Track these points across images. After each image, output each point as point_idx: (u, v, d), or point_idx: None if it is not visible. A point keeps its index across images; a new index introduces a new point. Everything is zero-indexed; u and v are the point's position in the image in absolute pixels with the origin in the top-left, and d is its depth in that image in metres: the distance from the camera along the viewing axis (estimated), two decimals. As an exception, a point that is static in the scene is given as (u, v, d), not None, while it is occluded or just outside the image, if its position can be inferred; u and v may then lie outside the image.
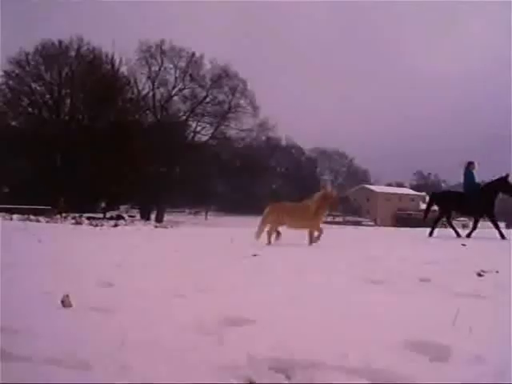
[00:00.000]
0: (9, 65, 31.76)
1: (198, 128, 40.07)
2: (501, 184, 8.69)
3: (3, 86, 32.23)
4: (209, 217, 50.79)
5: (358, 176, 75.33)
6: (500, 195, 8.92)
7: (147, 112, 38.67)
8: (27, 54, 32.00)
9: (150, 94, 38.54)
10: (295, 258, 4.75)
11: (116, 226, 14.52)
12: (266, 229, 6.54)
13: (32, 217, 16.26)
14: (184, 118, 39.46)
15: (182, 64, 38.40)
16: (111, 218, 23.09)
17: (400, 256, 5.06)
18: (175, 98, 39.28)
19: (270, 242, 6.35)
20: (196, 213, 58.68)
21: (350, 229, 19.64)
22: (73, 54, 33.29)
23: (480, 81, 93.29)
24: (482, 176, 9.73)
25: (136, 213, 37.94)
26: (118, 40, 37.63)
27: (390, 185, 75.19)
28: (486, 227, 9.66)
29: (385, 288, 2.90)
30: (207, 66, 38.64)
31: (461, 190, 9.57)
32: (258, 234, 6.43)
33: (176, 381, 1.40)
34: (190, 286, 2.76)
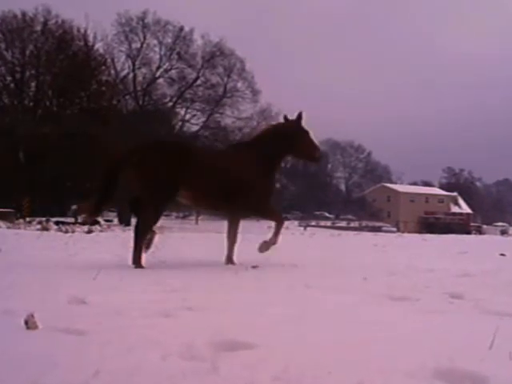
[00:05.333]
0: (-39, 41, 31.90)
1: (188, 116, 40.07)
2: None
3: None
4: (200, 221, 50.82)
5: (377, 173, 75.38)
6: None
7: (127, 97, 38.66)
8: (-17, 29, 32.08)
9: (131, 75, 38.56)
10: (302, 270, 4.75)
11: (90, 232, 14.53)
12: None
13: (-10, 221, 16.29)
14: (171, 103, 39.44)
15: (168, 40, 38.46)
16: (84, 223, 23.10)
17: (426, 268, 5.06)
18: (160, 80, 39.30)
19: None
20: (184, 217, 58.67)
21: (367, 236, 19.65)
22: (39, 28, 33.30)
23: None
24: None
25: (113, 217, 37.96)
26: (92, 12, 37.80)
27: (415, 183, 75.36)
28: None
29: (408, 306, 2.91)
30: (198, 42, 38.69)
31: (496, 189, 9.53)
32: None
33: (161, 416, 1.40)
34: (178, 304, 2.76)
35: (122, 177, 5.08)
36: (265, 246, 5.44)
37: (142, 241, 5.08)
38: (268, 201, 5.60)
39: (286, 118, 5.72)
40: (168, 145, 5.53)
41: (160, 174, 4.95)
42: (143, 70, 38.95)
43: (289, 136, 5.57)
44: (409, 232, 34.01)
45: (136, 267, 4.86)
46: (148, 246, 5.31)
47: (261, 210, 5.62)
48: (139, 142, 5.69)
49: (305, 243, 12.00)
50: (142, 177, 4.99)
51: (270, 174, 5.59)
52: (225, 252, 5.50)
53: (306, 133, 5.66)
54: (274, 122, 5.72)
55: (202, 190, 5.19)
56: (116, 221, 34.68)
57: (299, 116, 5.60)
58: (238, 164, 5.30)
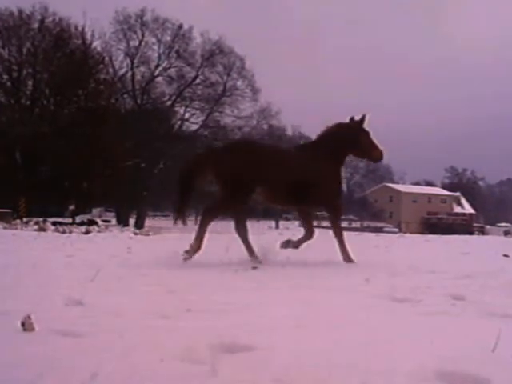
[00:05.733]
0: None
1: (187, 115, 40.13)
2: None
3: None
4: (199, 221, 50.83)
5: (378, 173, 75.36)
6: None
7: (125, 96, 38.69)
8: (-21, 26, 32.06)
9: (129, 73, 38.63)
10: (303, 271, 4.75)
11: (88, 232, 14.54)
12: None
13: (-14, 222, 16.30)
14: (169, 102, 39.48)
15: (167, 38, 38.52)
16: (82, 224, 23.13)
17: (428, 269, 5.07)
18: (159, 78, 39.36)
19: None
20: (184, 217, 58.75)
21: (368, 236, 19.66)
22: (36, 26, 33.28)
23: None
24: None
25: (111, 217, 38.00)
26: (90, 9, 37.83)
27: (417, 183, 75.35)
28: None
29: (410, 307, 2.91)
30: (197, 40, 38.73)
31: (499, 189, 9.63)
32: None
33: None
34: (177, 305, 2.76)
35: (200, 179, 5.48)
36: (345, 254, 5.79)
37: (203, 231, 5.39)
38: (337, 197, 6.01)
39: (351, 118, 6.05)
40: (244, 145, 5.88)
41: (238, 174, 5.28)
42: (142, 68, 39.05)
43: (351, 136, 5.94)
44: (411, 233, 34.02)
45: (185, 259, 5.24)
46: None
47: (330, 206, 5.94)
48: (216, 145, 6.13)
49: (305, 244, 11.97)
50: (220, 177, 5.35)
51: (336, 172, 5.97)
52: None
53: (367, 133, 6.04)
54: (338, 122, 6.04)
55: (277, 187, 5.51)
56: (114, 221, 34.74)
57: (362, 118, 6.00)
58: (308, 162, 5.63)
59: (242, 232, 5.69)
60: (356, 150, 6.12)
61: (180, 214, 5.66)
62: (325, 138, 5.99)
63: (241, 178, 5.27)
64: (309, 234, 6.00)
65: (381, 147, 6.10)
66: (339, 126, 6.06)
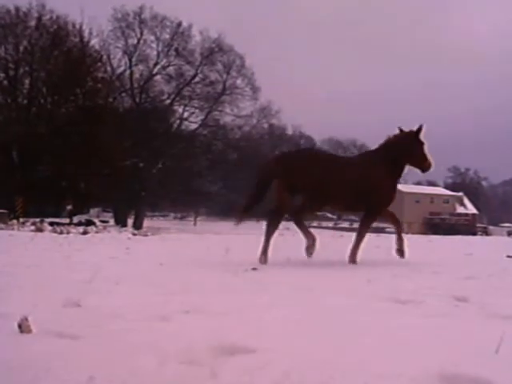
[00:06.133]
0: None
1: (186, 114, 40.12)
2: None
3: None
4: (198, 222, 50.87)
5: (380, 172, 75.28)
6: None
7: (123, 94, 38.68)
8: (-25, 24, 32.02)
9: (127, 72, 38.62)
10: (304, 272, 4.76)
11: (85, 233, 14.54)
12: None
13: (-18, 222, 16.30)
14: (168, 101, 39.48)
15: (166, 36, 38.49)
16: (79, 224, 23.12)
17: (431, 270, 5.07)
18: (157, 77, 39.35)
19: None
20: (183, 217, 58.75)
21: (370, 237, 19.66)
22: (33, 23, 33.25)
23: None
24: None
25: (109, 217, 37.97)
26: (88, 7, 37.82)
27: (419, 183, 75.26)
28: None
29: (412, 309, 2.91)
30: (196, 38, 38.73)
31: (503, 189, 9.75)
32: None
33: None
34: (176, 307, 2.76)
35: (270, 184, 5.85)
36: (401, 252, 6.16)
37: (268, 239, 5.77)
38: (387, 205, 6.32)
39: (400, 129, 6.41)
40: (312, 153, 6.29)
41: (306, 180, 5.70)
42: (140, 66, 39.00)
43: (408, 145, 6.27)
44: (413, 233, 33.97)
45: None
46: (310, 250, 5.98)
47: (375, 210, 6.24)
48: (285, 151, 6.57)
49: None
50: (290, 183, 5.72)
51: (393, 180, 6.31)
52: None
53: (423, 144, 6.35)
54: (396, 132, 6.42)
55: (340, 193, 5.92)
56: (112, 221, 34.72)
57: (419, 128, 6.28)
58: (368, 170, 6.03)
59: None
60: (411, 160, 6.39)
61: (244, 214, 6.09)
62: (385, 146, 6.33)
63: (309, 184, 5.71)
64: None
65: (430, 159, 6.41)
66: (399, 136, 6.37)
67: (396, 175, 6.33)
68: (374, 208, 6.15)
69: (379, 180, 6.02)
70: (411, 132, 6.30)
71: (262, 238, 5.82)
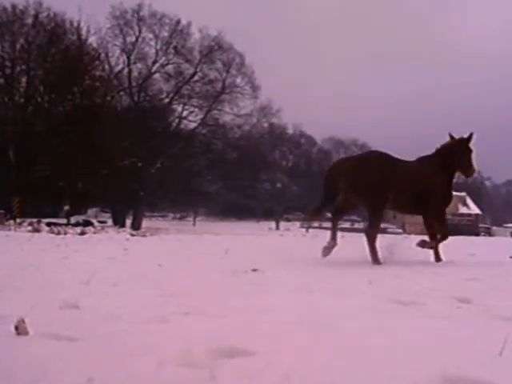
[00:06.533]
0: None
1: (185, 112, 40.15)
2: None
3: None
4: (197, 222, 50.91)
5: (382, 172, 75.27)
6: None
7: (121, 93, 38.70)
8: (-28, 22, 32.01)
9: (125, 70, 38.64)
10: (305, 274, 4.76)
11: (83, 233, 14.55)
12: None
13: (-21, 223, 16.30)
14: (167, 100, 39.50)
15: (165, 34, 38.51)
16: (77, 224, 23.15)
17: (433, 271, 5.07)
18: (156, 75, 39.37)
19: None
20: (182, 217, 58.78)
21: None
22: (30, 21, 33.27)
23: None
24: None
25: (107, 218, 38.00)
26: (86, 4, 37.83)
27: (421, 183, 75.09)
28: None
29: (414, 311, 2.91)
30: (195, 36, 38.72)
31: (506, 189, 10.03)
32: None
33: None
34: (174, 309, 2.76)
35: (337, 187, 6.11)
36: (437, 257, 6.50)
37: (374, 241, 6.03)
38: (444, 210, 6.76)
39: (451, 136, 6.82)
40: (378, 156, 6.47)
41: (372, 182, 5.98)
42: (138, 64, 39.01)
43: (459, 152, 6.71)
44: (415, 234, 33.99)
45: (375, 264, 5.86)
46: (327, 250, 6.22)
47: (437, 218, 6.66)
48: (354, 155, 7.06)
49: (307, 245, 11.98)
50: (355, 185, 6.04)
51: (449, 185, 6.74)
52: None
53: (471, 151, 6.79)
54: (452, 139, 6.89)
55: (402, 195, 6.26)
56: (110, 222, 34.73)
57: (470, 136, 6.73)
58: (429, 174, 6.45)
59: (334, 228, 6.41)
60: (460, 165, 6.79)
61: (317, 213, 6.55)
62: (440, 152, 6.73)
63: (375, 187, 6.00)
64: (440, 236, 6.66)
65: (475, 165, 6.86)
66: (452, 143, 6.78)
67: (450, 180, 6.75)
68: (434, 211, 6.53)
69: (439, 184, 6.48)
70: (462, 139, 6.73)
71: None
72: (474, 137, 6.73)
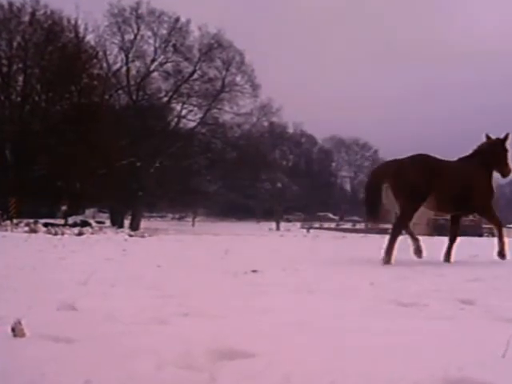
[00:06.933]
0: None
1: (184, 111, 40.10)
2: None
3: None
4: (197, 223, 50.90)
5: (383, 172, 75.12)
6: None
7: (119, 91, 38.69)
8: (-32, 20, 31.99)
9: (124, 68, 38.60)
10: (305, 275, 4.76)
11: (81, 234, 14.55)
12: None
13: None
14: (166, 99, 39.48)
15: (164, 31, 38.47)
16: (74, 225, 23.13)
17: (435, 272, 5.07)
18: (155, 74, 39.34)
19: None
20: (181, 218, 58.77)
21: (374, 238, 19.65)
22: (26, 19, 33.23)
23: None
24: None
25: (105, 218, 37.99)
26: (83, 2, 37.73)
27: (423, 183, 75.00)
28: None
29: (416, 312, 2.91)
30: (195, 33, 38.69)
31: (510, 189, 10.22)
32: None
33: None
34: (174, 310, 2.76)
35: (381, 189, 6.39)
36: (502, 255, 6.75)
37: (395, 241, 6.27)
38: (491, 205, 7.07)
39: (488, 136, 7.14)
40: (419, 159, 6.66)
41: (414, 184, 6.28)
42: (137, 63, 38.96)
43: (497, 152, 7.01)
44: (418, 234, 34.01)
45: (384, 263, 5.99)
46: (418, 253, 6.60)
47: (486, 213, 7.16)
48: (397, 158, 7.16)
49: (308, 246, 11.99)
50: (399, 186, 6.32)
51: (489, 181, 7.02)
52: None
53: (507, 151, 7.11)
54: (487, 139, 7.25)
55: (444, 196, 6.54)
56: (108, 222, 34.73)
57: (506, 136, 7.00)
58: (473, 174, 6.74)
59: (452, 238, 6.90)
60: (497, 164, 7.07)
61: (374, 218, 6.96)
62: (480, 152, 7.01)
63: (419, 189, 6.29)
64: (454, 239, 7.01)
65: (511, 165, 7.16)
66: (490, 143, 7.09)
67: (490, 177, 7.04)
68: (481, 208, 6.95)
69: (484, 183, 6.82)
70: (499, 139, 7.03)
71: (387, 240, 6.38)
72: (511, 137, 6.98)
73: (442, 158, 6.83)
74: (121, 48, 38.21)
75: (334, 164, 74.90)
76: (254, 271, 4.82)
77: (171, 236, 18.05)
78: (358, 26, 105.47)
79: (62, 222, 25.73)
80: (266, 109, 40.59)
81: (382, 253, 6.13)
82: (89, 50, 35.55)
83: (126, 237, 14.48)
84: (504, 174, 7.27)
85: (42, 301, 2.96)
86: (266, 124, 44.59)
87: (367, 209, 6.68)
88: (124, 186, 33.14)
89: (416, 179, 6.27)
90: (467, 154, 7.19)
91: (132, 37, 38.16)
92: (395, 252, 6.19)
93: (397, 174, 6.35)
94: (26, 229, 16.41)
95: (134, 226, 32.06)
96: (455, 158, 7.16)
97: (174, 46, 38.35)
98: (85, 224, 25.07)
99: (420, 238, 6.81)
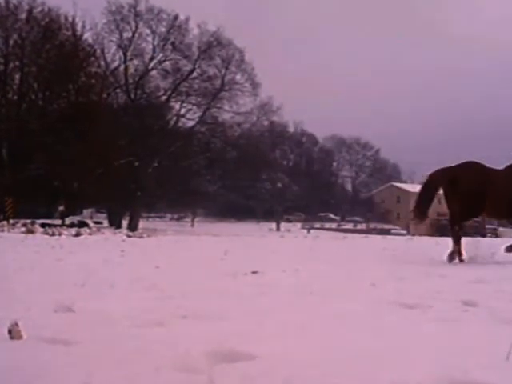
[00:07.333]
0: None
1: (183, 110, 40.03)
2: None
3: None
4: (196, 223, 50.86)
5: (385, 172, 75.30)
6: None
7: (118, 90, 38.65)
8: (-36, 17, 31.99)
9: (122, 67, 38.54)
10: (306, 276, 4.76)
11: (78, 235, 14.56)
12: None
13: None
14: (165, 97, 39.43)
15: (162, 29, 38.39)
16: (72, 225, 23.13)
17: (438, 273, 5.07)
18: (153, 72, 39.27)
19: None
20: (180, 218, 58.72)
21: (375, 239, 19.68)
22: (23, 16, 33.23)
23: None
24: None
25: (103, 218, 37.97)
26: (81, -1, 37.58)
27: (426, 183, 75.00)
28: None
29: (419, 314, 2.91)
30: (194, 31, 38.61)
31: None
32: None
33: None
34: (172, 312, 2.76)
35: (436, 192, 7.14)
36: None
37: (459, 243, 6.96)
38: None
39: None
40: (475, 166, 7.18)
41: (470, 191, 6.80)
42: (135, 61, 38.87)
43: None
44: (420, 235, 34.00)
45: (449, 262, 6.69)
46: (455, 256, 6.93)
47: None
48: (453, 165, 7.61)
49: (308, 246, 12.00)
50: (455, 192, 6.89)
51: None
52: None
53: None
54: None
55: (497, 202, 7.02)
56: (106, 223, 34.71)
57: None
58: None
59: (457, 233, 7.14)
60: None
61: (422, 216, 7.44)
62: None
63: (472, 194, 6.77)
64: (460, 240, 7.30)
65: None
66: None
67: None
68: None
69: None
70: None
71: (452, 242, 7.00)
72: None
73: (491, 167, 7.28)
74: (119, 46, 38.17)
75: (334, 164, 74.84)
76: (254, 272, 4.82)
77: (170, 237, 18.06)
78: (357, 25, 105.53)
79: (59, 222, 25.71)
80: (266, 107, 40.49)
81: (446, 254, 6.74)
82: (86, 48, 35.53)
83: (125, 237, 14.50)
84: None
85: (39, 302, 2.96)
86: (266, 123, 44.56)
87: (417, 206, 7.24)
88: (122, 185, 33.10)
89: (471, 186, 6.80)
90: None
91: (130, 35, 38.12)
92: (463, 252, 6.90)
93: (453, 180, 6.90)
94: (23, 229, 16.42)
95: (133, 227, 32.05)
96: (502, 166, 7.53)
97: (173, 43, 38.30)
98: (82, 224, 25.07)
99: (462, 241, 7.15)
